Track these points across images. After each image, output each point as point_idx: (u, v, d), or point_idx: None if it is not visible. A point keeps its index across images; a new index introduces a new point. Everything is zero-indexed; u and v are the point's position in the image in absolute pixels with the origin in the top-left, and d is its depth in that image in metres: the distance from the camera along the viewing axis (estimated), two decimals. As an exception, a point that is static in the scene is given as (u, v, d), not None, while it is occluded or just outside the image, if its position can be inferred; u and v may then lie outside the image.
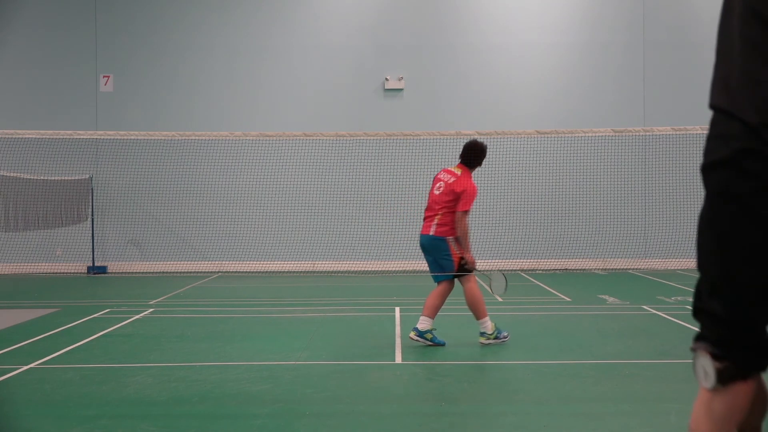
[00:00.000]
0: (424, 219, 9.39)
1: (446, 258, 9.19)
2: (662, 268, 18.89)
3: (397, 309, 12.11)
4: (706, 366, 1.46)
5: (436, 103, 20.36)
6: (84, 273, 19.63)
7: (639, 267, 19.25)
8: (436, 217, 9.22)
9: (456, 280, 9.24)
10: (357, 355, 8.68)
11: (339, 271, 18.95)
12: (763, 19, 1.48)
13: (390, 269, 19.02)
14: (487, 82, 20.40)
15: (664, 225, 19.17)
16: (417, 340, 9.00)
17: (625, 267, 19.17)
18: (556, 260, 19.50)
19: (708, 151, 1.51)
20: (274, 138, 17.79)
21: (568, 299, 13.55)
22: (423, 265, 16.99)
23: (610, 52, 20.40)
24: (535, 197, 19.82)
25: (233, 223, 19.77)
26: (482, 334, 9.17)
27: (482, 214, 19.12)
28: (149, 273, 19.44)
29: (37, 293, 15.31)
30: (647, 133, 17.62)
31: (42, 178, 19.38)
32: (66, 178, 19.61)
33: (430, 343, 8.97)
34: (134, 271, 19.67)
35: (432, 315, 9.10)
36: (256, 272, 19.13)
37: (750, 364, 1.42)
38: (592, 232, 19.41)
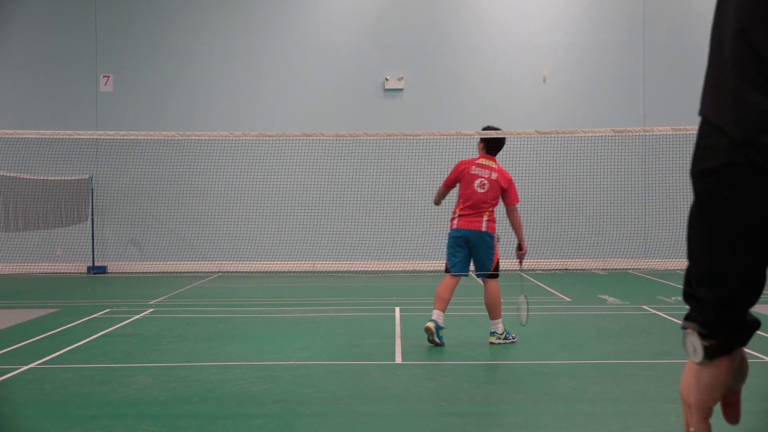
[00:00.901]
0: (463, 216, 9.23)
1: (491, 255, 9.24)
2: (662, 268, 18.89)
3: (397, 309, 12.12)
4: (695, 343, 1.65)
5: (436, 103, 20.36)
6: (84, 273, 19.63)
7: (639, 267, 19.25)
8: (486, 213, 9.19)
9: (480, 278, 9.32)
10: (357, 355, 8.69)
11: (339, 271, 18.95)
12: (748, 37, 1.55)
13: (390, 269, 19.02)
14: (487, 82, 20.41)
15: (664, 225, 19.16)
16: (436, 342, 8.95)
17: (625, 267, 19.17)
18: (556, 260, 19.49)
19: (696, 159, 1.59)
20: (274, 138, 17.78)
21: (568, 299, 13.55)
22: (423, 265, 16.97)
23: (610, 52, 20.40)
24: (535, 197, 19.80)
25: (233, 223, 19.77)
26: (493, 333, 9.21)
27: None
28: (149, 273, 19.44)
29: (37, 293, 15.31)
30: (647, 133, 17.61)
31: (42, 178, 19.38)
32: (66, 178, 19.62)
33: (440, 342, 8.96)
34: (134, 271, 19.67)
35: (444, 310, 9.11)
36: (256, 272, 19.13)
37: (733, 341, 1.63)
38: (592, 232, 19.40)
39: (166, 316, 11.80)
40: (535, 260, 19.41)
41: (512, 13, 20.42)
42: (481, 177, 9.27)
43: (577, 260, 19.33)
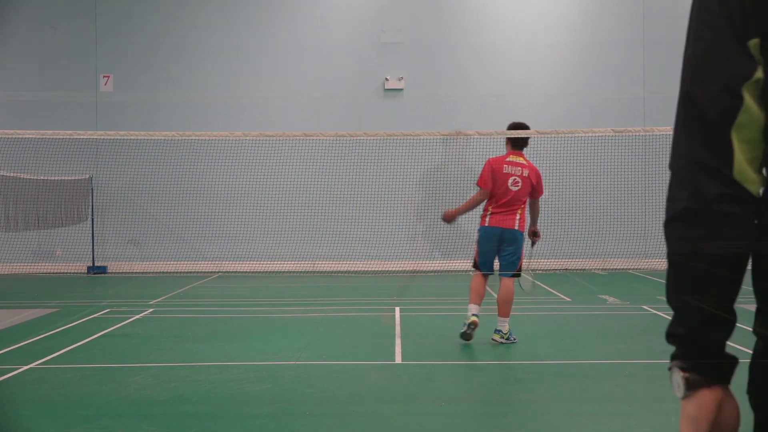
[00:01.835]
0: (496, 213, 9.22)
1: (520, 253, 9.27)
2: (662, 268, 18.85)
3: (397, 309, 12.11)
4: (677, 379, 1.86)
5: (437, 103, 20.36)
6: (84, 273, 19.63)
7: (639, 267, 19.25)
8: (518, 211, 9.21)
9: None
10: (357, 355, 8.69)
11: (339, 271, 18.95)
12: (694, 102, 1.79)
13: (390, 269, 19.01)
14: (487, 82, 20.41)
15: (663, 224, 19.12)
16: (469, 337, 8.96)
17: (625, 267, 19.17)
18: (556, 260, 19.48)
19: (666, 209, 1.73)
20: (274, 138, 17.78)
21: (568, 299, 13.55)
22: (423, 265, 16.90)
23: (610, 52, 20.41)
24: (535, 197, 19.80)
25: (233, 224, 19.76)
26: (497, 331, 9.18)
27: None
28: (149, 273, 19.44)
29: (36, 293, 15.31)
30: (647, 133, 17.60)
31: (42, 178, 19.38)
32: (66, 178, 19.61)
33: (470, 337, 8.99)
34: (134, 271, 19.66)
35: (480, 304, 9.10)
36: (256, 272, 19.13)
37: (710, 373, 1.77)
38: (592, 232, 19.40)
39: (166, 316, 11.80)
40: (535, 260, 19.37)
41: (513, 12, 20.42)
42: (514, 175, 9.27)
43: (577, 260, 19.33)
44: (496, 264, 9.44)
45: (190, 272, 19.20)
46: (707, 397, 1.79)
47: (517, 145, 9.43)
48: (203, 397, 6.84)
